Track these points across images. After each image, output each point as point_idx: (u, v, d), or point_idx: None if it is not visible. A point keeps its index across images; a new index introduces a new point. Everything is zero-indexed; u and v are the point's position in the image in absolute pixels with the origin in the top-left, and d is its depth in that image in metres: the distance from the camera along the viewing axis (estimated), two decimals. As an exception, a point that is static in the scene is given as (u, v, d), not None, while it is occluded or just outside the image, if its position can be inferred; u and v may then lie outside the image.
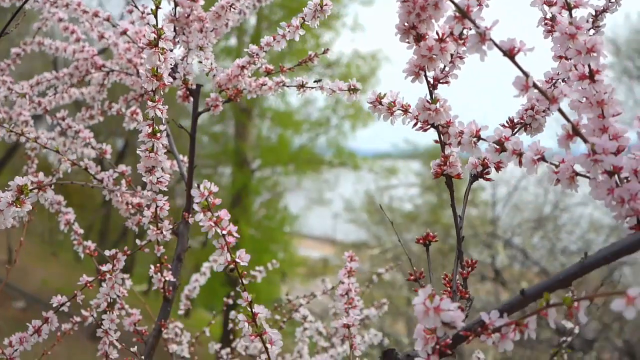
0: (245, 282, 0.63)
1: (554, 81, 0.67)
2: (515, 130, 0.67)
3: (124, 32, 1.05)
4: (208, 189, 0.59)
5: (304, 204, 12.03)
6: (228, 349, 1.33)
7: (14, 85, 1.11)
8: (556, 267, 6.45)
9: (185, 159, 1.10)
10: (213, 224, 0.60)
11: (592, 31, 0.70)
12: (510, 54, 0.49)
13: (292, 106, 12.27)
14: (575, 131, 0.50)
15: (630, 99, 8.89)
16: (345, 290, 0.93)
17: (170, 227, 0.89)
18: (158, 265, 0.94)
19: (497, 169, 0.65)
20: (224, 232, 0.60)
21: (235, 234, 0.61)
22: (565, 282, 0.49)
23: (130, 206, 0.99)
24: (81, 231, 1.08)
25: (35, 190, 0.67)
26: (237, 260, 0.61)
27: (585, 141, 0.50)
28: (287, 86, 0.94)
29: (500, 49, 0.49)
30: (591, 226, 7.48)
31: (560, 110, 0.50)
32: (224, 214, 0.61)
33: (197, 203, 0.59)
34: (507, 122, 0.67)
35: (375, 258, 8.29)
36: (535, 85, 0.49)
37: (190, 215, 0.95)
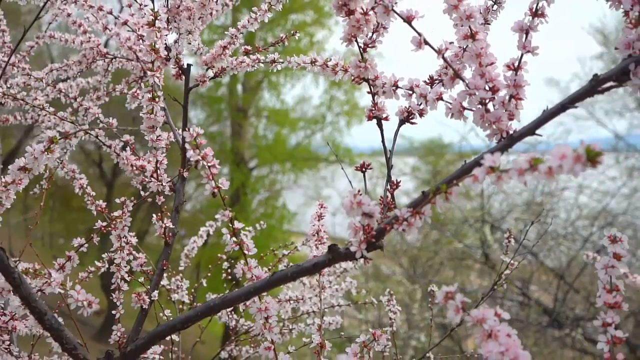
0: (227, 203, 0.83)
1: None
2: (435, 85, 0.86)
3: (125, 23, 1.24)
4: (196, 132, 0.79)
5: (302, 201, 12.19)
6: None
7: (32, 72, 1.31)
8: (543, 251, 6.66)
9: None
10: (201, 158, 0.79)
11: (495, 6, 0.89)
12: (408, 20, 0.69)
13: (288, 104, 12.46)
14: (456, 75, 0.70)
15: (620, 88, 9.07)
16: (316, 230, 1.12)
17: (169, 180, 1.08)
18: (159, 214, 1.13)
19: (420, 115, 0.85)
20: (210, 164, 0.80)
21: (218, 166, 0.80)
22: (450, 181, 0.68)
23: (134, 168, 1.18)
24: (93, 193, 1.27)
25: (63, 139, 0.86)
26: (220, 185, 0.81)
27: (463, 81, 0.69)
28: (262, 62, 1.13)
29: (401, 17, 0.69)
30: (580, 212, 7.70)
31: (444, 59, 0.69)
32: (209, 151, 0.80)
33: (187, 142, 0.78)
34: (428, 78, 0.86)
35: (375, 252, 8.43)
36: (425, 42, 0.68)
37: (186, 170, 1.14)
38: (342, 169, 1.16)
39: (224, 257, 1.56)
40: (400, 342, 6.60)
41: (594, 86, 0.63)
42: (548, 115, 0.64)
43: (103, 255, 1.30)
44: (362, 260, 1.56)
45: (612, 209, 7.82)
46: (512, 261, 1.27)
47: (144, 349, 0.80)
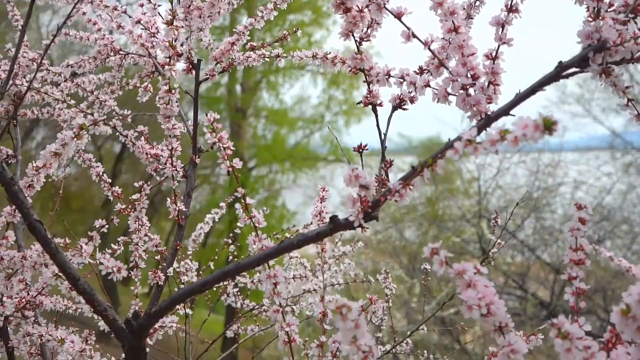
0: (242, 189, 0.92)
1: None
2: (424, 74, 0.95)
3: (138, 21, 1.33)
4: (213, 117, 0.88)
5: (301, 201, 12.29)
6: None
7: (50, 67, 1.40)
8: (540, 245, 6.78)
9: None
10: (217, 140, 0.89)
11: (477, 2, 0.99)
12: (398, 16, 0.79)
13: (286, 104, 12.57)
14: (440, 64, 0.79)
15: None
16: (318, 211, 1.22)
17: (182, 165, 1.18)
18: (173, 197, 1.23)
19: (411, 101, 0.94)
20: (225, 146, 0.89)
21: (232, 148, 0.90)
22: (435, 156, 0.77)
23: (148, 156, 1.28)
24: (109, 180, 1.37)
25: (92, 125, 0.96)
26: (234, 164, 0.90)
27: (447, 69, 0.79)
28: (267, 58, 1.23)
29: (392, 13, 0.79)
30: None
31: (430, 50, 0.79)
32: (224, 134, 0.90)
33: (205, 126, 0.88)
34: (418, 68, 0.96)
35: (375, 249, 8.56)
36: (413, 35, 0.78)
37: (197, 157, 1.24)
38: (346, 159, 1.25)
39: (230, 241, 1.66)
40: (399, 338, 6.72)
41: (559, 72, 0.73)
42: (520, 98, 0.74)
43: (119, 239, 1.39)
44: (359, 245, 1.64)
45: (609, 204, 7.93)
46: (498, 240, 1.36)
47: (167, 310, 0.90)
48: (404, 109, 0.95)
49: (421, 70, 0.95)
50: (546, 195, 7.57)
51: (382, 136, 0.93)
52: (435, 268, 0.68)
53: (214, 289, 1.66)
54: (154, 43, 1.32)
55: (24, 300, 1.13)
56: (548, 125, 0.55)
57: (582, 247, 0.76)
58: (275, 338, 0.99)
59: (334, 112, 12.48)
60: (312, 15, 11.37)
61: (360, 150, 0.93)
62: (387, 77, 0.88)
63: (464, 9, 0.93)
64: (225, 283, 1.66)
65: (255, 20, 1.20)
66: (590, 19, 0.72)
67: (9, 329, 1.15)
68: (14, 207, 1.07)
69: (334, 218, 0.85)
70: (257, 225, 0.92)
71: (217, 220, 1.72)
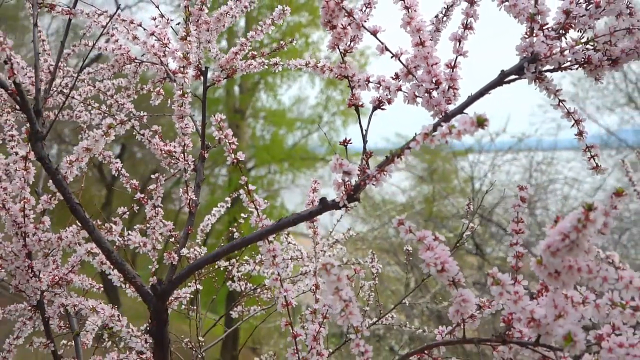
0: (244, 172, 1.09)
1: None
2: (399, 80, 1.13)
3: (152, 33, 1.51)
4: (220, 117, 1.06)
5: (300, 201, 12.46)
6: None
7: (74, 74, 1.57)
8: (533, 240, 6.95)
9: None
10: (223, 137, 1.06)
11: (444, 18, 1.16)
12: (374, 33, 0.96)
13: (284, 105, 12.74)
14: (408, 71, 0.97)
15: (611, 84, 9.45)
16: (310, 200, 1.39)
17: (193, 159, 1.35)
18: (185, 187, 1.40)
19: (389, 102, 1.12)
20: (230, 141, 1.07)
21: (236, 143, 1.07)
22: (403, 147, 0.95)
23: (162, 152, 1.45)
24: (127, 174, 1.54)
25: (119, 125, 1.13)
26: (238, 157, 1.08)
27: (414, 76, 0.97)
28: (267, 65, 1.41)
29: (368, 30, 0.96)
30: (566, 203, 8.01)
31: (399, 60, 0.97)
32: (230, 131, 1.07)
33: (213, 125, 1.05)
34: (394, 75, 1.13)
35: (371, 246, 8.72)
36: (386, 48, 0.96)
37: (206, 152, 1.41)
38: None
39: (234, 230, 1.83)
40: (395, 332, 6.89)
41: (502, 78, 0.90)
42: (471, 100, 0.92)
43: (134, 227, 1.57)
44: (351, 233, 1.81)
45: (601, 201, 8.08)
46: (472, 224, 1.54)
47: (185, 277, 1.07)
48: (382, 109, 1.13)
49: (397, 76, 1.12)
50: (540, 192, 7.75)
51: (364, 132, 1.10)
52: (401, 236, 0.86)
53: (221, 268, 1.84)
54: (165, 52, 1.49)
55: (56, 277, 1.31)
56: (481, 122, 0.73)
57: (521, 220, 0.94)
58: (274, 317, 1.15)
59: (332, 112, 12.65)
60: (310, 17, 11.54)
61: (345, 144, 1.10)
62: (366, 82, 1.06)
63: (433, 23, 1.11)
64: (230, 267, 1.84)
65: (255, 33, 1.37)
66: (526, 36, 0.90)
67: (44, 302, 1.32)
68: (49, 195, 1.24)
69: (322, 199, 1.03)
70: (258, 207, 1.09)
71: (222, 213, 1.89)
